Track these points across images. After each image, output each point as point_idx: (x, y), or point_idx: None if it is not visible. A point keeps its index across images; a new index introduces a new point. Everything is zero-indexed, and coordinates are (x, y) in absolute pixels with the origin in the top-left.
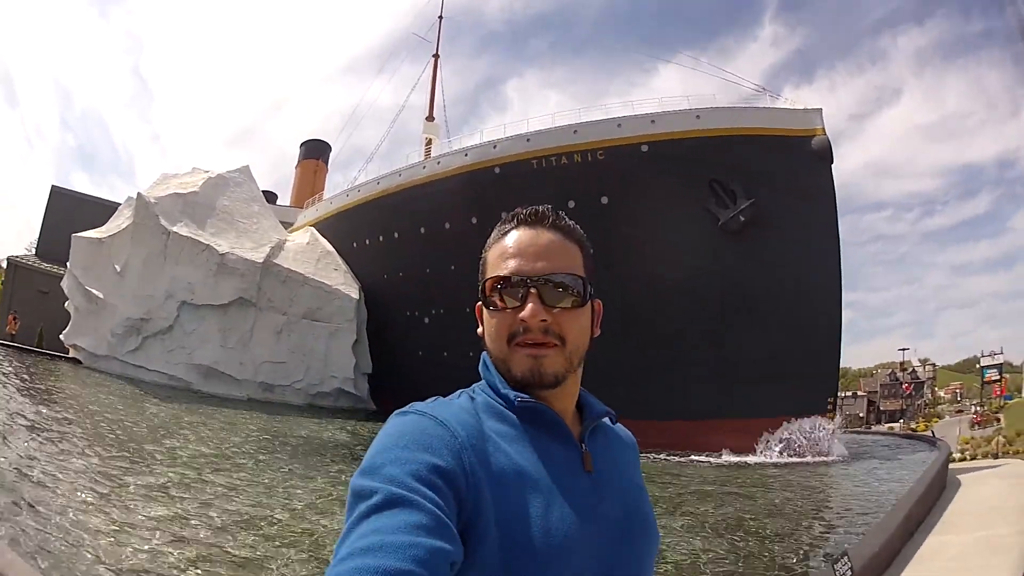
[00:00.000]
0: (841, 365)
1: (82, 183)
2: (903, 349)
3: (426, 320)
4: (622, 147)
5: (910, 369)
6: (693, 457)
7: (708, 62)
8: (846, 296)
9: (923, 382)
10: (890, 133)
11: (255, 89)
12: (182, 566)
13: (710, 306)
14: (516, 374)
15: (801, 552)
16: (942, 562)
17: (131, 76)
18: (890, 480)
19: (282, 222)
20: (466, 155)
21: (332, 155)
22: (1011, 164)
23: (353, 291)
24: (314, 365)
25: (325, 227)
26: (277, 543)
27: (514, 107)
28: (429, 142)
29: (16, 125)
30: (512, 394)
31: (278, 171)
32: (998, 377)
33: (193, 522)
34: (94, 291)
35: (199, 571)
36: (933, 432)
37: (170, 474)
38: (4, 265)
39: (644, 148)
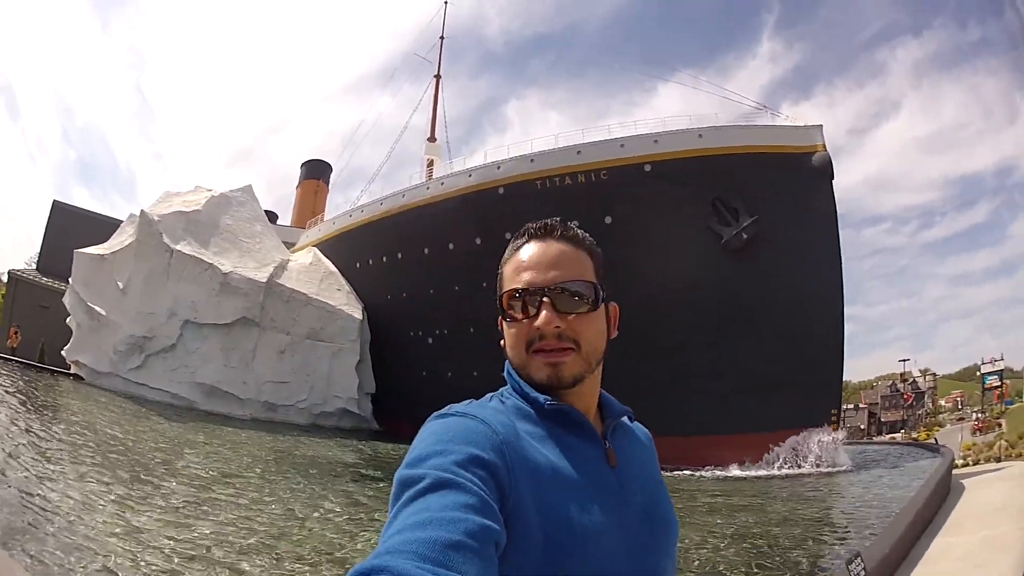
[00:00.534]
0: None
1: (83, 198)
2: (903, 360)
3: (430, 340)
4: (625, 167)
5: (910, 380)
6: (696, 472)
7: (708, 80)
8: (846, 310)
9: (924, 392)
10: (888, 147)
11: (256, 108)
12: None
13: (712, 322)
14: (536, 380)
15: (814, 555)
16: (949, 562)
17: (133, 93)
18: (897, 487)
19: (284, 242)
20: (470, 176)
21: (333, 175)
22: (1009, 171)
23: (356, 311)
24: (317, 385)
25: (327, 247)
26: (298, 564)
27: (515, 128)
28: (431, 163)
29: (17, 138)
30: (541, 398)
31: (278, 190)
32: (999, 383)
33: (207, 542)
34: (96, 308)
35: None
36: (936, 440)
37: (181, 494)
38: (5, 279)
39: (647, 168)
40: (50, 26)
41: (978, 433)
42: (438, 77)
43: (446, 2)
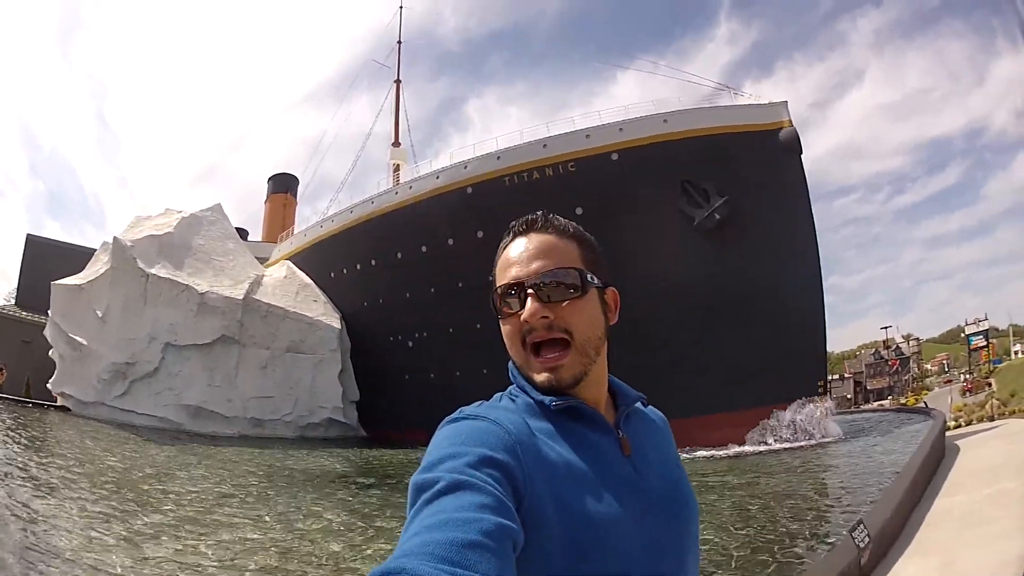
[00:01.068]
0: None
1: (54, 230)
2: (885, 327)
3: (410, 344)
4: (592, 157)
5: (894, 346)
6: (696, 452)
7: (667, 65)
8: (823, 281)
9: (908, 357)
10: (854, 116)
11: (217, 125)
12: None
13: (693, 303)
14: (537, 383)
15: (816, 525)
16: (951, 521)
17: (95, 119)
18: (892, 452)
19: (257, 258)
20: (437, 177)
21: (300, 187)
22: (979, 132)
23: (334, 321)
24: (302, 397)
25: (301, 260)
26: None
27: (476, 126)
28: (397, 167)
29: None
30: (547, 399)
31: (247, 207)
32: (985, 343)
33: (213, 568)
34: (77, 338)
35: None
36: (925, 404)
37: (178, 514)
38: None
39: (614, 156)
40: (10, 55)
41: (968, 394)
42: (398, 82)
43: (401, 7)
